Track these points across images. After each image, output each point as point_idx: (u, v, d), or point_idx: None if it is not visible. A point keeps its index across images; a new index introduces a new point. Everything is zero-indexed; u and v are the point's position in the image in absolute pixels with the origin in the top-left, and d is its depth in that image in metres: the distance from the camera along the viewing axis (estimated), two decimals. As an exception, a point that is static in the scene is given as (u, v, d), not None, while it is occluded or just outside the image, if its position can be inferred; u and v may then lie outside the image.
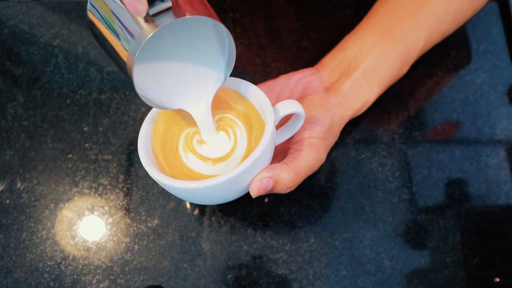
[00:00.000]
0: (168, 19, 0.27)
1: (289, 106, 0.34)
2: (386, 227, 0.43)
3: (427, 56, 0.45)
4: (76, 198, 0.45)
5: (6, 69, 0.50)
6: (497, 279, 0.41)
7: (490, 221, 0.43)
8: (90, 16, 0.30)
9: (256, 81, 0.49)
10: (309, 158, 0.35)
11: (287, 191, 0.35)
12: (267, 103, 0.34)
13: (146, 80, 0.32)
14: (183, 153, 0.34)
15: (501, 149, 0.46)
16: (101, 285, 0.41)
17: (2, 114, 0.48)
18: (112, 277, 0.42)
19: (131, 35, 0.27)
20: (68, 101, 0.49)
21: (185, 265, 0.42)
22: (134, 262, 0.42)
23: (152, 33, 0.26)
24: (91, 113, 0.48)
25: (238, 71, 0.50)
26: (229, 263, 0.42)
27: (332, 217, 0.43)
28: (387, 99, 0.46)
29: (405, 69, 0.43)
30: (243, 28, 0.52)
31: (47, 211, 0.44)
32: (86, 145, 0.47)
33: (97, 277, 0.42)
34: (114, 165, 0.46)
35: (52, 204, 0.44)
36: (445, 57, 0.50)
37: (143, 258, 0.42)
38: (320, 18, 0.52)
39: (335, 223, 0.43)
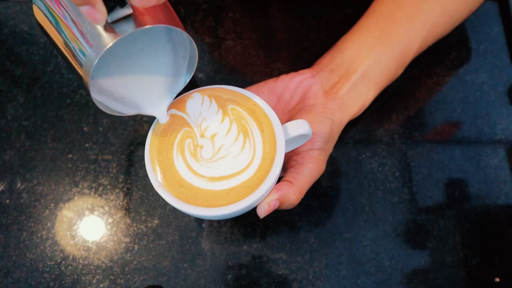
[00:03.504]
0: (128, 28, 0.25)
1: (299, 128, 0.34)
2: (386, 227, 0.43)
3: (427, 56, 0.45)
4: (76, 198, 0.45)
5: (6, 69, 0.50)
6: (497, 279, 0.41)
7: (490, 221, 0.43)
8: (37, 13, 0.27)
9: (256, 81, 0.49)
10: (310, 172, 0.36)
11: (291, 207, 0.36)
12: (278, 125, 0.34)
13: (104, 88, 0.30)
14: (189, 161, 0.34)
15: (501, 149, 0.46)
16: (101, 285, 0.41)
17: (2, 114, 0.48)
18: (112, 277, 0.42)
19: (88, 43, 0.25)
20: (68, 101, 0.49)
21: (185, 265, 0.42)
22: (134, 262, 0.42)
23: (111, 43, 0.24)
24: (91, 113, 0.48)
25: (239, 71, 0.50)
26: (229, 263, 0.42)
27: (332, 217, 0.43)
28: (387, 99, 0.47)
29: (400, 71, 0.43)
30: (243, 28, 0.52)
31: (47, 211, 0.44)
32: (86, 145, 0.47)
33: (97, 277, 0.42)
34: (114, 165, 0.46)
35: (52, 204, 0.44)
36: (445, 57, 0.50)
37: (143, 258, 0.42)
38: (320, 18, 0.52)
39: (335, 223, 0.43)
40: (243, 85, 0.49)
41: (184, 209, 0.32)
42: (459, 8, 0.43)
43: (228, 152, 0.33)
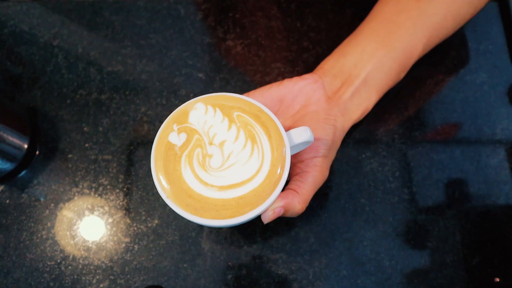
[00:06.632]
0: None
1: (302, 135, 0.34)
2: (386, 227, 0.43)
3: (427, 56, 0.45)
4: (76, 198, 0.45)
5: (6, 69, 0.50)
6: (497, 279, 0.41)
7: (490, 221, 0.43)
8: None
9: (256, 81, 0.49)
10: (315, 180, 0.36)
11: (295, 216, 0.36)
12: (283, 130, 0.34)
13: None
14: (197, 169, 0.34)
15: (501, 149, 0.46)
16: (101, 285, 0.41)
17: (2, 114, 0.48)
18: (112, 277, 0.42)
19: None
20: (68, 101, 0.49)
21: (185, 265, 0.42)
22: (134, 262, 0.42)
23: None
24: (91, 113, 0.48)
25: (239, 71, 0.50)
26: (229, 263, 0.42)
27: (332, 217, 0.43)
28: (387, 99, 0.46)
29: (402, 75, 0.43)
30: (243, 28, 0.52)
31: (47, 211, 0.44)
32: (86, 145, 0.47)
33: (97, 277, 0.42)
34: (114, 165, 0.46)
35: (52, 204, 0.44)
36: (445, 57, 0.50)
37: (143, 258, 0.42)
38: (320, 18, 0.52)
39: (335, 223, 0.43)
40: (243, 86, 0.49)
41: (194, 220, 0.32)
42: (462, 11, 0.43)
43: (237, 159, 0.33)
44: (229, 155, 0.33)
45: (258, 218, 0.34)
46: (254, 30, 0.52)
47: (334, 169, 0.45)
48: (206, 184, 0.32)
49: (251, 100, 0.36)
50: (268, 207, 0.32)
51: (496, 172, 0.45)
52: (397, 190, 0.44)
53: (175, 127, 0.34)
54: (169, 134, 0.34)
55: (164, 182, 0.33)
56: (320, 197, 0.44)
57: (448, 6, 0.42)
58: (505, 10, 0.51)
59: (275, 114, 0.39)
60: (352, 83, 0.40)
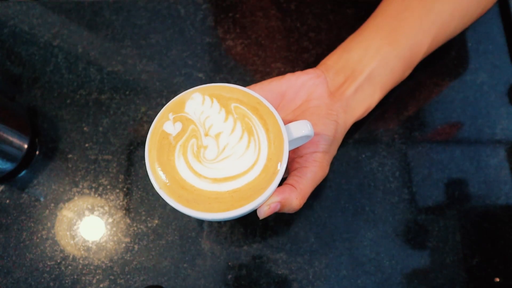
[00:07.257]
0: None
1: (302, 129, 0.34)
2: (386, 227, 0.43)
3: (427, 56, 0.45)
4: (76, 198, 0.45)
5: (6, 69, 0.50)
6: (497, 279, 0.41)
7: (490, 221, 0.43)
8: None
9: (256, 81, 0.49)
10: (314, 176, 0.36)
11: (292, 212, 0.36)
12: (282, 124, 0.34)
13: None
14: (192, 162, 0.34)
15: (501, 149, 0.46)
16: (101, 285, 0.41)
17: (2, 114, 0.48)
18: (112, 277, 0.42)
19: None
20: (68, 101, 0.49)
21: (185, 265, 0.42)
22: (134, 262, 0.42)
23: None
24: (91, 113, 0.48)
25: (239, 71, 0.50)
26: (229, 263, 0.42)
27: (332, 217, 0.43)
28: (388, 99, 0.46)
29: (407, 73, 0.43)
30: (243, 28, 0.52)
31: (47, 211, 0.44)
32: (86, 145, 0.47)
33: (97, 277, 0.42)
34: (114, 165, 0.46)
35: (52, 204, 0.44)
36: (445, 57, 0.50)
37: (143, 258, 0.42)
38: (320, 18, 0.52)
39: (335, 223, 0.43)
40: (243, 85, 0.49)
41: (186, 212, 0.31)
42: (470, 9, 0.42)
43: (233, 151, 0.32)
44: (224, 147, 0.33)
45: (257, 217, 0.34)
46: (254, 30, 0.52)
47: (334, 168, 0.45)
48: (199, 175, 0.32)
49: (250, 91, 0.35)
50: (263, 201, 0.32)
51: (496, 172, 0.45)
52: (397, 190, 0.44)
53: (170, 116, 0.34)
54: (164, 123, 0.34)
55: (157, 172, 0.32)
56: (320, 197, 0.44)
57: (455, 5, 0.41)
58: (505, 10, 0.51)
59: (276, 109, 0.39)
60: (355, 79, 0.40)
